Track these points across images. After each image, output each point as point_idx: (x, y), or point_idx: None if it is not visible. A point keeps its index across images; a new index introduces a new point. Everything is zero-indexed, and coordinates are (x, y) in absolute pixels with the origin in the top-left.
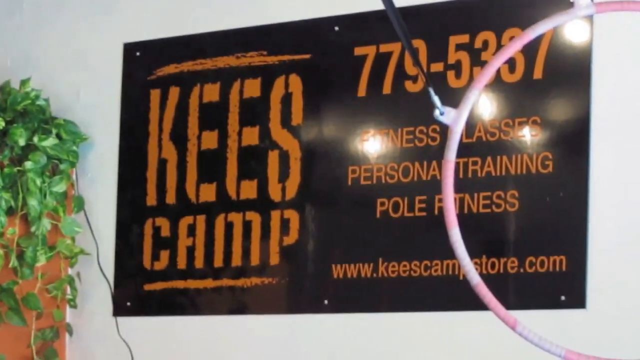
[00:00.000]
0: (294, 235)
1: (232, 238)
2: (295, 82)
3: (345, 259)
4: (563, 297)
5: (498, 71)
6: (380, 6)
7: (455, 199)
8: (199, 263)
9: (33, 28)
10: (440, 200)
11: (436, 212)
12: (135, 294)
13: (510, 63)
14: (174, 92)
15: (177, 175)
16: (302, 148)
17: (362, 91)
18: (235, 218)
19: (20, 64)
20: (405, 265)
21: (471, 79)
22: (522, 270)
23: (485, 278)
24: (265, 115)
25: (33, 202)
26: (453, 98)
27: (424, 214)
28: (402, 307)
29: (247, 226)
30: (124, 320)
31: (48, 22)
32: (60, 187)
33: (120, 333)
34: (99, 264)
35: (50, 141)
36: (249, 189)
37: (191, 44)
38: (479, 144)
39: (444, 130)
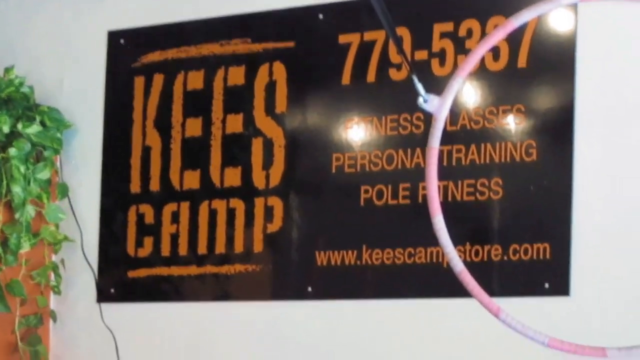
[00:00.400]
0: (277, 222)
1: (216, 225)
2: (279, 70)
3: (329, 246)
4: (547, 285)
5: (482, 59)
6: None
7: (439, 186)
8: (182, 250)
9: (17, 15)
10: (424, 188)
11: (420, 199)
12: (119, 281)
13: (495, 51)
14: (158, 80)
15: (161, 163)
16: (286, 136)
17: (346, 79)
18: (219, 205)
19: (5, 51)
20: (389, 253)
21: (455, 67)
22: (505, 257)
23: (469, 265)
24: (249, 102)
25: (17, 189)
26: (437, 86)
27: (407, 201)
28: (385, 294)
29: (231, 213)
30: (107, 307)
31: (32, 9)
32: (44, 174)
33: (104, 319)
34: (83, 250)
35: (35, 128)
36: (233, 177)
37: (175, 32)
38: (463, 132)
39: (428, 118)
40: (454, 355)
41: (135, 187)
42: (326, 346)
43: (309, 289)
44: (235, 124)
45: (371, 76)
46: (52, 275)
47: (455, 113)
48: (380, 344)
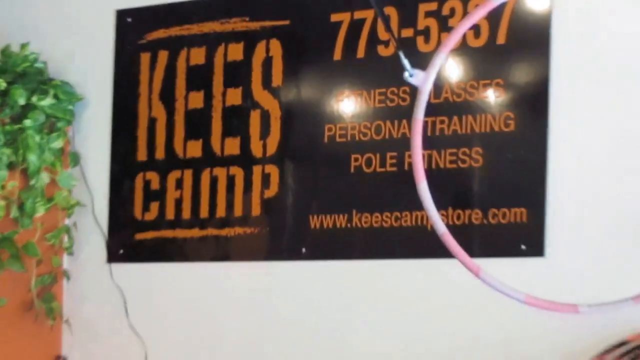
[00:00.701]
0: (274, 188)
1: (217, 191)
2: (276, 47)
3: (321, 211)
4: (523, 246)
5: (464, 36)
6: None
7: (423, 155)
8: (186, 214)
9: None
10: (409, 156)
11: (406, 167)
12: (128, 242)
13: (476, 29)
14: (163, 56)
15: (166, 133)
16: (282, 108)
17: (337, 55)
18: (220, 172)
19: (20, 29)
20: (377, 217)
21: (439, 43)
22: (485, 221)
23: (451, 228)
24: (247, 77)
25: (32, 158)
26: (422, 61)
27: (394, 169)
28: (374, 255)
29: (230, 180)
30: (117, 267)
31: None
32: (57, 144)
33: (114, 278)
34: (93, 214)
35: (48, 101)
36: (233, 146)
37: (179, 11)
38: (446, 104)
39: (414, 91)
40: (437, 312)
41: (142, 155)
42: (319, 303)
43: (303, 250)
44: (234, 97)
45: (361, 52)
46: (65, 238)
47: (438, 87)
48: (368, 301)
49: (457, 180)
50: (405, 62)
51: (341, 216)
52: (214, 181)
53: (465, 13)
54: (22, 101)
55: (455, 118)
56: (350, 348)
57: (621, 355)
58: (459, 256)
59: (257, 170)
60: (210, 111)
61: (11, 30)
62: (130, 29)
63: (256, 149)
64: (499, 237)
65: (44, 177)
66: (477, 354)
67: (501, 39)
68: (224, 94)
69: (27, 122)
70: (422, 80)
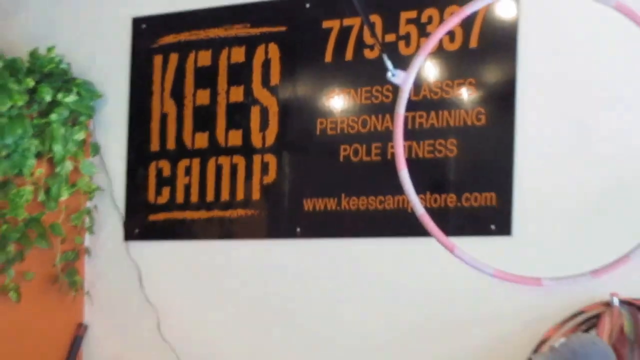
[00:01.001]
0: (272, 175)
1: (221, 177)
2: (274, 50)
3: (314, 195)
4: (493, 226)
5: (440, 41)
6: None
7: (404, 145)
8: (194, 198)
9: (57, 4)
10: (392, 147)
11: (389, 156)
12: (142, 223)
13: (451, 34)
14: (174, 58)
15: (176, 126)
16: (279, 104)
17: (328, 57)
18: (224, 161)
19: (47, 34)
20: (363, 200)
21: (418, 47)
22: (459, 204)
23: (429, 210)
24: (248, 77)
25: (57, 148)
26: (403, 63)
27: (378, 158)
28: (360, 234)
29: (233, 168)
30: (133, 244)
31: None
32: (80, 136)
33: (130, 255)
34: (112, 198)
35: (72, 98)
36: (236, 137)
37: (188, 18)
38: (425, 101)
39: (396, 89)
40: (415, 284)
41: (154, 146)
42: (311, 276)
43: (298, 229)
44: (237, 94)
45: (349, 55)
46: (87, 219)
47: (418, 85)
48: (355, 275)
49: (434, 168)
50: (389, 64)
51: (331, 200)
52: (218, 169)
53: (441, 20)
54: (48, 98)
55: (432, 113)
56: (338, 315)
57: (578, 324)
58: (435, 235)
59: (257, 159)
60: (216, 107)
61: (39, 34)
62: (145, 35)
63: (256, 141)
64: (471, 218)
65: (68, 165)
66: (450, 321)
67: (473, 43)
68: (227, 92)
69: (53, 117)
70: (403, 79)
